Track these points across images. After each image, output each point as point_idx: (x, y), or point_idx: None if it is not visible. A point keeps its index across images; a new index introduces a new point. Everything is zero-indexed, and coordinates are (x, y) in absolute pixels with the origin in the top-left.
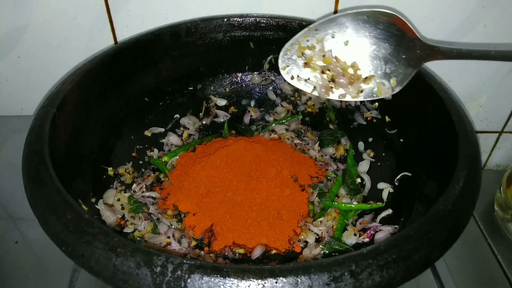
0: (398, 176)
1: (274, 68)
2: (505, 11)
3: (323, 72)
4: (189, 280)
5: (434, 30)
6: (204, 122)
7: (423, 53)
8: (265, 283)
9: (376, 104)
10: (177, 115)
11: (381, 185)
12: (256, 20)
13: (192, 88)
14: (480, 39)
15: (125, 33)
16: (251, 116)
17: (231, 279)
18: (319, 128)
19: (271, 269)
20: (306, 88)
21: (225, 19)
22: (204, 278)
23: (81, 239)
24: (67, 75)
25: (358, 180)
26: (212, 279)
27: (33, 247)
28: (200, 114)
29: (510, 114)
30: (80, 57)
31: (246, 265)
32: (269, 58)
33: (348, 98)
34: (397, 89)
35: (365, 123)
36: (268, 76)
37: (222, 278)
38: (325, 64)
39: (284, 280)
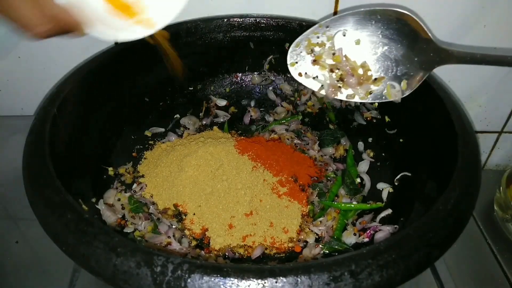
0: (398, 176)
1: (274, 68)
2: (504, 12)
3: (332, 71)
4: (189, 280)
5: (434, 30)
6: (204, 122)
7: (436, 57)
8: (265, 283)
9: (376, 104)
10: (177, 115)
11: (380, 185)
12: (256, 20)
13: (192, 88)
14: (479, 40)
15: None
16: (251, 116)
17: (231, 278)
18: (319, 128)
19: (271, 268)
20: (314, 86)
21: (225, 20)
22: (204, 277)
23: (81, 239)
24: (67, 75)
25: (358, 180)
26: (212, 279)
27: (33, 247)
28: (200, 114)
29: (509, 114)
30: (80, 57)
31: (246, 265)
32: (269, 58)
33: (356, 99)
34: (407, 92)
35: (365, 123)
36: (268, 76)
37: (222, 278)
38: (334, 63)
39: (284, 279)
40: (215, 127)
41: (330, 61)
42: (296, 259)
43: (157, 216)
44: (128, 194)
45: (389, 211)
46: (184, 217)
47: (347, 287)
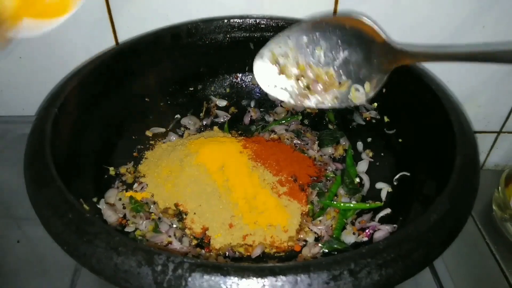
0: (397, 176)
1: None
2: (504, 12)
3: (298, 80)
4: (189, 279)
5: (433, 31)
6: (204, 123)
7: (392, 57)
8: (265, 281)
9: (375, 104)
10: (178, 116)
11: (379, 185)
12: (256, 21)
13: (192, 88)
14: (479, 40)
15: (126, 34)
16: (251, 116)
17: (231, 277)
18: (318, 128)
19: (271, 267)
20: (283, 96)
21: (226, 20)
22: (205, 276)
23: (82, 238)
24: (68, 76)
25: (357, 179)
26: (213, 278)
27: (34, 246)
28: (201, 114)
29: (508, 114)
30: (81, 58)
31: (246, 264)
32: None
33: (325, 105)
34: (371, 94)
35: (364, 123)
36: None
37: (222, 277)
38: (299, 72)
39: (284, 278)
40: (215, 127)
41: (295, 71)
42: (295, 258)
43: (158, 215)
44: (129, 194)
45: (388, 210)
46: (184, 216)
47: (346, 286)
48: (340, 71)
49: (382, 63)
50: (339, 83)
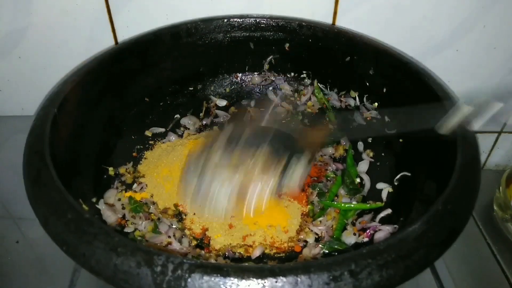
0: (398, 176)
1: (274, 68)
2: (504, 12)
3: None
4: (189, 280)
5: (434, 30)
6: (204, 122)
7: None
8: (265, 282)
9: (376, 104)
10: (178, 115)
11: (380, 185)
12: (256, 20)
13: (192, 88)
14: (479, 40)
15: (125, 34)
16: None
17: (231, 278)
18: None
19: (271, 268)
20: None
21: (225, 20)
22: (204, 277)
23: (81, 239)
24: (67, 76)
25: (358, 180)
26: (212, 279)
27: (33, 246)
28: (201, 114)
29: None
30: (80, 58)
31: (246, 265)
32: (269, 58)
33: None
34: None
35: (364, 123)
36: (268, 77)
37: (222, 278)
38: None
39: (284, 279)
40: (215, 127)
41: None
42: (296, 258)
43: (157, 216)
44: (128, 194)
45: (388, 211)
46: (184, 217)
47: (347, 286)
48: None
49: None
50: (277, 160)
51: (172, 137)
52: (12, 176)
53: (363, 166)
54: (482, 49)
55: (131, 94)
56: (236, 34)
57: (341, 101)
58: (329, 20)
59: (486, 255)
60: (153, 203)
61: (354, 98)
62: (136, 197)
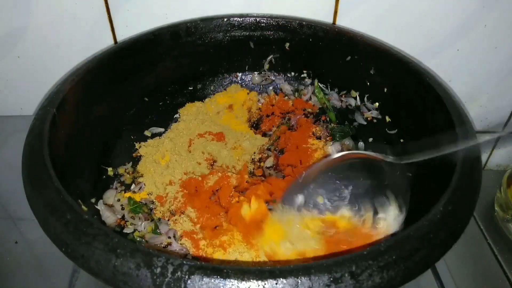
0: None
1: (274, 68)
2: (505, 11)
3: (323, 234)
4: (189, 281)
5: (435, 30)
6: None
7: (395, 170)
8: (265, 284)
9: (377, 104)
10: (177, 115)
11: None
12: (256, 20)
13: (192, 88)
14: (480, 39)
15: (125, 33)
16: None
17: (231, 280)
18: None
19: (271, 270)
20: None
21: (225, 19)
22: (204, 279)
23: (81, 240)
24: (67, 75)
25: None
26: (212, 280)
27: (32, 247)
28: None
29: (510, 114)
30: (80, 57)
31: (246, 266)
32: (269, 58)
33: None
34: (403, 214)
35: (365, 123)
36: (268, 76)
37: (222, 279)
38: (319, 228)
39: (284, 281)
40: None
41: (317, 228)
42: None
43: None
44: (127, 195)
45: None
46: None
47: None
48: (355, 208)
49: (393, 179)
50: (363, 220)
51: None
52: (11, 176)
53: None
54: (483, 49)
55: (130, 93)
56: (236, 34)
57: (341, 101)
58: (329, 20)
59: (487, 256)
60: (153, 202)
61: (355, 98)
62: (136, 197)
